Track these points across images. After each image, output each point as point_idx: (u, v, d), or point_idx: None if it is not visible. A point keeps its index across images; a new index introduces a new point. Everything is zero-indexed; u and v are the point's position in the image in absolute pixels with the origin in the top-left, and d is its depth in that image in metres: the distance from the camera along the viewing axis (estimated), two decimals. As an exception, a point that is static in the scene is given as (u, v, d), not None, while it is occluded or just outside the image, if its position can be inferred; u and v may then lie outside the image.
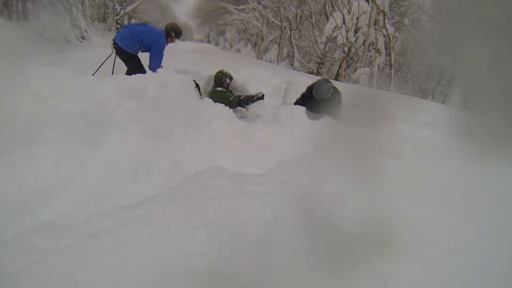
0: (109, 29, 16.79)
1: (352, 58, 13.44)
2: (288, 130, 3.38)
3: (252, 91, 4.01)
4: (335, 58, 13.34)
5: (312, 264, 0.80)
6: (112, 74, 3.79)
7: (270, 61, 15.86)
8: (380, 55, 9.51)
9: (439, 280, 0.80)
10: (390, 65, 10.22)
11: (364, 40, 11.14)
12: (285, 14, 15.03)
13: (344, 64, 11.94)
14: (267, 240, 0.87)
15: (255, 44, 19.36)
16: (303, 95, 3.70)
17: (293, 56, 15.26)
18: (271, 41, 18.19)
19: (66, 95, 1.81)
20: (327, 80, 3.72)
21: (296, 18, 15.18)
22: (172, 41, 3.80)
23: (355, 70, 12.18)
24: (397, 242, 0.88)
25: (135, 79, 2.51)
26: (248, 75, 4.21)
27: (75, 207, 1.39)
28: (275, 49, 16.70)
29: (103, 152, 1.70)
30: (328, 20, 12.19)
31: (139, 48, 3.65)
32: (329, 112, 3.57)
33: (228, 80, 3.88)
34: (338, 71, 11.99)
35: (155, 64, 3.57)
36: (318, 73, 13.24)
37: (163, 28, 3.80)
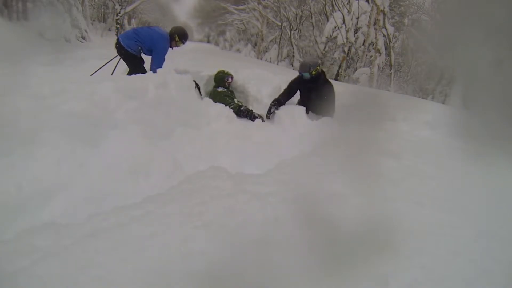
0: (109, 29, 16.78)
1: (352, 58, 13.44)
2: (288, 130, 3.38)
3: (252, 91, 4.01)
4: (335, 58, 13.34)
5: (312, 264, 0.80)
6: (112, 74, 3.79)
7: (270, 61, 15.86)
8: (380, 55, 9.51)
9: (439, 280, 0.80)
10: (390, 65, 10.23)
11: (364, 40, 11.14)
12: (285, 14, 15.03)
13: (344, 64, 11.94)
14: (267, 240, 0.87)
15: (255, 44, 19.36)
16: (291, 84, 3.72)
17: (293, 56, 15.25)
18: (271, 41, 18.19)
19: (66, 95, 1.81)
20: (312, 57, 3.94)
21: (296, 18, 15.18)
22: (176, 45, 3.71)
23: (355, 70, 12.19)
24: (397, 242, 0.88)
25: (135, 79, 2.51)
26: (248, 75, 4.21)
27: (75, 207, 1.39)
28: (275, 49, 16.70)
29: (103, 152, 1.70)
30: (328, 20, 12.20)
31: (141, 49, 3.64)
32: (319, 102, 3.59)
33: (230, 80, 3.89)
34: (338, 71, 11.99)
35: (155, 67, 3.53)
36: (318, 73, 13.16)
37: (169, 31, 3.75)
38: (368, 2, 10.85)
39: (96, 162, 1.63)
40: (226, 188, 1.18)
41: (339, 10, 11.75)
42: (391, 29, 10.12)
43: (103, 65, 3.84)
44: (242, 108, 3.57)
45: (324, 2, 13.15)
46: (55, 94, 1.78)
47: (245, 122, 3.40)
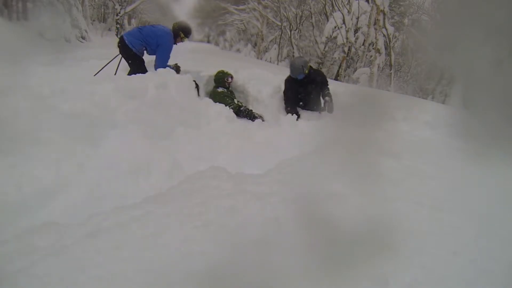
0: (109, 29, 16.78)
1: (352, 58, 13.43)
2: (288, 130, 3.38)
3: (252, 91, 4.01)
4: (335, 58, 13.34)
5: (312, 264, 0.80)
6: (115, 74, 3.78)
7: (270, 61, 15.85)
8: (380, 55, 9.51)
9: (439, 280, 0.80)
10: (390, 65, 10.23)
11: (364, 40, 11.13)
12: (285, 14, 15.03)
13: (344, 64, 11.93)
14: (267, 240, 0.87)
15: (255, 44, 19.36)
16: (284, 90, 3.78)
17: (293, 56, 15.24)
18: (271, 41, 18.18)
19: (66, 95, 1.81)
20: (299, 57, 4.01)
21: (296, 18, 15.18)
22: (181, 41, 3.71)
23: (355, 70, 12.18)
24: (397, 242, 0.88)
25: (135, 79, 2.51)
26: (248, 75, 4.21)
27: (75, 207, 1.39)
28: (275, 49, 16.69)
29: (103, 152, 1.70)
30: (328, 20, 12.19)
31: (145, 49, 3.63)
32: (317, 94, 3.63)
33: (230, 80, 3.89)
34: (338, 71, 11.99)
35: (161, 63, 3.55)
36: (318, 73, 13.18)
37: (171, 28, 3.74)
38: (368, 2, 10.85)
39: (96, 162, 1.63)
40: (226, 188, 1.18)
41: (339, 10, 11.75)
42: (391, 29, 10.12)
43: (105, 65, 3.84)
44: (242, 108, 3.57)
45: (324, 2, 13.15)
46: (55, 94, 1.78)
47: (245, 122, 3.40)
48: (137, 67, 3.59)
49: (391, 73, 10.18)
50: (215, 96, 3.60)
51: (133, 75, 2.81)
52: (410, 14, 13.26)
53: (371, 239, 0.86)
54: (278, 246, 0.85)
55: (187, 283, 0.74)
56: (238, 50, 21.07)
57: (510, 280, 0.83)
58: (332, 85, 3.85)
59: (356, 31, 11.48)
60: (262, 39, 17.26)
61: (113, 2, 15.27)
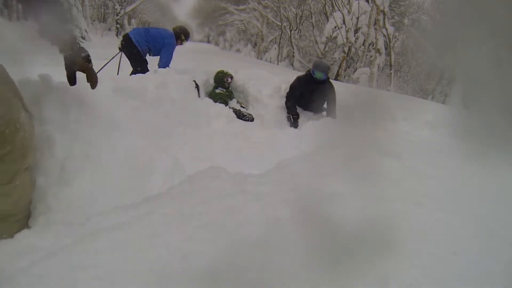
0: (109, 29, 16.78)
1: (352, 58, 13.43)
2: (288, 130, 3.38)
3: (252, 91, 4.01)
4: (335, 58, 13.35)
5: (312, 264, 0.80)
6: (118, 74, 3.79)
7: (270, 61, 15.85)
8: (380, 55, 9.51)
9: (439, 280, 0.80)
10: (390, 65, 10.22)
11: (364, 40, 11.14)
12: (285, 14, 15.03)
13: (344, 64, 11.93)
14: (267, 240, 0.87)
15: (255, 44, 19.36)
16: (292, 85, 3.76)
17: (293, 56, 15.25)
18: (271, 41, 18.18)
19: (66, 95, 1.81)
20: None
21: (296, 18, 15.18)
22: (181, 43, 3.89)
23: (355, 70, 12.18)
24: (397, 242, 0.88)
25: (135, 79, 2.51)
26: (248, 75, 4.21)
27: (75, 207, 1.39)
28: (275, 49, 16.70)
29: (103, 152, 1.70)
30: (328, 20, 12.20)
31: (148, 49, 3.68)
32: (322, 103, 3.63)
33: (229, 80, 3.89)
34: (338, 71, 11.99)
35: (165, 61, 3.65)
36: (318, 73, 13.21)
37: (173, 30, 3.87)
38: (368, 2, 10.85)
39: (95, 162, 1.63)
40: (226, 188, 1.18)
41: (339, 10, 11.75)
42: (391, 29, 10.12)
43: (105, 64, 3.84)
44: (234, 111, 3.55)
45: (324, 2, 13.15)
46: (55, 94, 1.78)
47: (245, 122, 3.40)
48: (140, 66, 3.61)
49: (391, 73, 10.18)
50: (214, 97, 3.60)
51: (133, 75, 2.82)
52: (410, 14, 13.26)
53: (371, 239, 0.86)
54: (278, 246, 0.85)
55: (187, 283, 0.74)
56: (238, 50, 21.07)
57: (510, 280, 0.83)
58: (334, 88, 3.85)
59: (356, 31, 11.48)
60: (262, 39, 17.26)
61: (113, 2, 15.26)
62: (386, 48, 10.05)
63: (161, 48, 3.64)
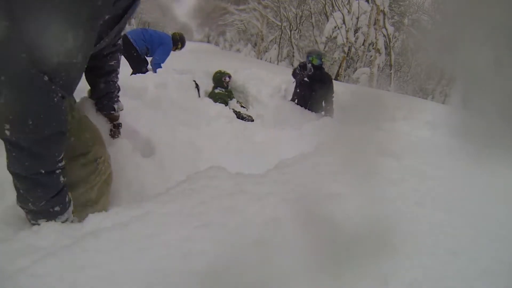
0: (109, 29, 16.72)
1: (352, 58, 13.43)
2: (288, 130, 3.38)
3: (252, 91, 4.01)
4: (335, 58, 13.34)
5: (312, 264, 0.80)
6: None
7: (270, 61, 15.86)
8: (380, 55, 9.52)
9: (439, 280, 0.80)
10: (390, 65, 10.22)
11: (364, 40, 11.14)
12: (285, 14, 15.03)
13: (344, 64, 11.94)
14: (267, 240, 0.87)
15: (255, 44, 19.35)
16: (293, 72, 3.85)
17: (293, 56, 15.26)
18: (271, 41, 18.18)
19: (66, 95, 1.80)
20: None
21: (296, 18, 15.18)
22: (175, 50, 3.99)
23: (355, 70, 12.19)
24: (397, 242, 0.88)
25: (135, 79, 2.51)
26: (248, 75, 4.22)
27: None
28: (275, 49, 16.70)
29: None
30: (328, 20, 12.20)
31: (147, 50, 3.70)
32: (321, 96, 3.66)
33: (227, 79, 3.90)
34: (338, 71, 12.00)
35: (159, 60, 3.70)
36: (318, 73, 13.25)
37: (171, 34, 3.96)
38: (368, 2, 10.86)
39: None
40: (226, 188, 1.18)
41: (339, 10, 11.75)
42: (391, 29, 10.12)
43: None
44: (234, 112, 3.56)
45: (324, 2, 13.15)
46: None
47: (245, 122, 3.40)
48: (139, 66, 3.63)
49: (391, 73, 10.18)
50: (213, 98, 3.61)
51: (132, 75, 2.82)
52: (410, 14, 13.26)
53: (371, 239, 0.86)
54: (278, 246, 0.85)
55: (187, 283, 0.74)
56: (238, 50, 21.07)
57: (510, 280, 0.83)
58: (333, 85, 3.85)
59: (356, 31, 11.48)
60: (262, 39, 17.26)
61: (113, 2, 15.22)
62: (386, 48, 10.06)
63: (157, 47, 3.68)
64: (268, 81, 4.10)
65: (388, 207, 1.08)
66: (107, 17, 1.03)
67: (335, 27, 11.18)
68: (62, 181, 1.08)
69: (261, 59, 16.06)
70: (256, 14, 16.34)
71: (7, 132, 0.92)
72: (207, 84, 3.96)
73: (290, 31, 14.91)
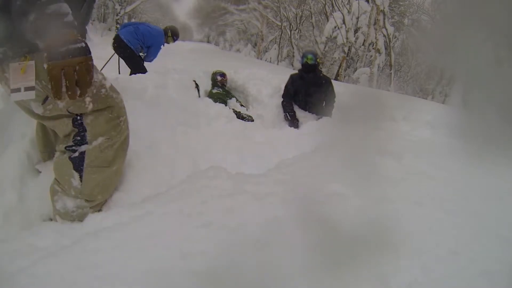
0: (109, 29, 16.78)
1: (352, 58, 13.43)
2: (288, 130, 3.38)
3: (252, 91, 4.01)
4: (335, 58, 13.34)
5: (312, 264, 0.80)
6: (119, 73, 3.81)
7: (270, 61, 15.85)
8: (380, 55, 9.51)
9: (439, 280, 0.80)
10: (390, 65, 10.22)
11: (364, 40, 11.14)
12: (285, 14, 15.02)
13: (344, 64, 11.93)
14: (267, 240, 0.87)
15: (255, 44, 19.36)
16: (286, 84, 3.80)
17: (293, 56, 15.25)
18: (271, 41, 18.18)
19: (66, 95, 1.80)
20: None
21: (296, 18, 15.18)
22: (167, 41, 3.97)
23: (355, 70, 12.18)
24: (397, 242, 0.88)
25: (135, 79, 2.51)
26: (248, 75, 4.21)
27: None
28: (275, 49, 16.70)
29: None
30: (328, 20, 12.19)
31: (141, 48, 3.69)
32: (319, 98, 3.63)
33: (219, 77, 3.89)
34: (338, 71, 11.99)
35: (150, 60, 3.74)
36: (318, 73, 13.27)
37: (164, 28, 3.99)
38: (368, 2, 10.85)
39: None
40: (226, 188, 1.18)
41: (339, 10, 11.75)
42: (391, 29, 10.12)
43: (104, 65, 3.85)
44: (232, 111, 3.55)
45: (324, 2, 13.14)
46: (55, 94, 1.78)
47: (245, 122, 3.40)
48: (137, 66, 3.62)
49: (391, 73, 10.18)
50: (212, 98, 3.61)
51: (132, 75, 2.81)
52: (410, 14, 13.26)
53: (371, 239, 0.86)
54: (278, 246, 0.85)
55: (187, 283, 0.74)
56: (238, 50, 21.07)
57: (510, 280, 0.83)
58: (333, 84, 3.84)
59: (356, 31, 11.48)
60: (262, 39, 17.25)
61: (113, 2, 15.26)
62: (386, 48, 10.06)
63: (150, 46, 3.73)
64: (268, 81, 4.10)
65: (388, 207, 1.08)
66: None
67: (335, 27, 11.18)
68: None
69: (261, 59, 16.06)
70: (256, 14, 16.34)
71: None
72: (207, 84, 3.96)
73: (290, 31, 14.91)
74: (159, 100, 2.38)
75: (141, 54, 3.74)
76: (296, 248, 0.85)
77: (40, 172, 1.50)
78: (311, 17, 14.48)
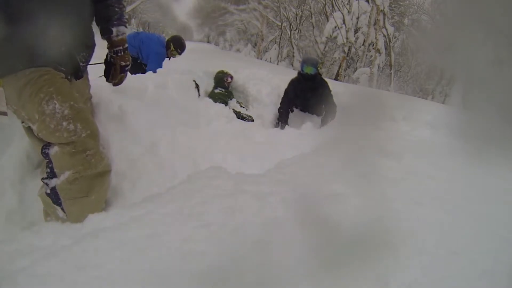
0: (109, 29, 16.70)
1: (352, 58, 13.43)
2: (288, 130, 3.38)
3: (252, 91, 4.01)
4: (335, 58, 13.35)
5: (312, 264, 0.80)
6: None
7: (270, 61, 15.85)
8: (380, 55, 9.51)
9: (439, 280, 0.80)
10: (390, 65, 10.22)
11: (364, 40, 11.13)
12: (285, 14, 15.02)
13: (344, 64, 11.93)
14: (267, 240, 0.87)
15: (255, 44, 19.35)
16: (286, 89, 3.75)
17: (293, 56, 15.25)
18: (271, 41, 18.18)
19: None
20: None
21: (296, 18, 15.17)
22: (172, 55, 3.65)
23: (355, 70, 12.18)
24: (397, 242, 0.88)
25: (135, 79, 2.51)
26: (248, 75, 4.21)
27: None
28: (275, 49, 16.69)
29: (103, 152, 1.70)
30: (328, 20, 12.19)
31: (138, 56, 3.61)
32: (319, 102, 3.61)
33: (229, 79, 3.89)
34: (338, 71, 12.00)
35: (149, 68, 3.56)
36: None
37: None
38: (368, 2, 10.85)
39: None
40: (226, 188, 1.18)
41: (339, 10, 11.74)
42: (391, 29, 10.12)
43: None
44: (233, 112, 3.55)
45: (324, 2, 13.14)
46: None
47: (245, 122, 3.40)
48: (137, 68, 3.59)
49: (391, 73, 10.17)
50: (213, 98, 3.61)
51: (133, 76, 2.81)
52: (410, 14, 13.27)
53: (371, 239, 0.86)
54: (278, 246, 0.85)
55: (187, 283, 0.74)
56: (238, 50, 21.05)
57: (510, 280, 0.83)
58: (332, 85, 3.84)
59: (356, 31, 11.48)
60: (262, 39, 17.24)
61: (113, 2, 15.17)
62: (386, 48, 10.06)
63: (148, 55, 3.49)
64: (268, 81, 4.10)
65: (388, 207, 1.08)
66: None
67: (335, 27, 11.18)
68: None
69: (261, 59, 16.06)
70: (256, 14, 16.34)
71: None
72: (207, 84, 3.96)
73: (290, 31, 14.91)
74: (159, 100, 2.38)
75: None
76: (296, 248, 0.85)
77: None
78: (311, 17, 14.48)
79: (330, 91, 3.62)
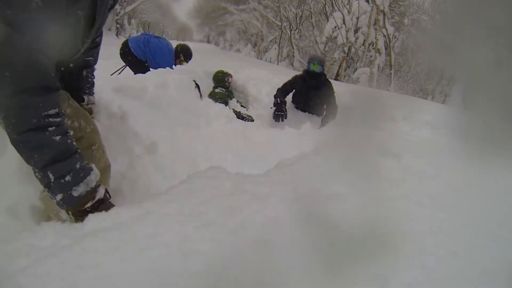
0: (109, 29, 16.76)
1: (352, 58, 13.44)
2: (288, 130, 3.38)
3: (252, 91, 4.01)
4: (335, 58, 13.36)
5: (312, 264, 0.80)
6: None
7: (270, 61, 15.86)
8: (380, 55, 9.52)
9: (439, 280, 0.80)
10: (390, 65, 10.22)
11: (364, 40, 11.14)
12: (285, 14, 15.03)
13: (344, 64, 11.94)
14: (267, 240, 0.87)
15: (255, 44, 19.36)
16: (287, 81, 3.76)
17: (293, 56, 15.26)
18: (271, 41, 18.19)
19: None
20: None
21: (296, 18, 15.19)
22: (180, 63, 3.80)
23: (355, 70, 12.19)
24: (397, 242, 0.88)
25: (135, 79, 2.51)
26: (248, 75, 4.22)
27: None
28: (275, 49, 16.70)
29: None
30: (328, 20, 12.20)
31: (145, 60, 3.65)
32: (321, 101, 3.61)
33: (230, 79, 3.90)
34: (338, 71, 12.00)
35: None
36: (318, 73, 13.26)
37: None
38: (368, 2, 10.86)
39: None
40: (226, 188, 1.18)
41: (339, 10, 11.76)
42: (391, 29, 10.12)
43: (117, 71, 3.86)
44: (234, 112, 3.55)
45: (324, 2, 13.15)
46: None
47: (245, 122, 3.40)
48: (140, 71, 3.60)
49: (391, 73, 10.18)
50: (213, 97, 3.61)
51: (133, 75, 2.82)
52: (410, 14, 13.28)
53: (371, 239, 0.86)
54: (278, 246, 0.85)
55: (187, 283, 0.74)
56: (238, 50, 21.06)
57: (510, 280, 0.83)
58: (332, 85, 3.84)
59: (356, 31, 11.49)
60: (262, 39, 17.25)
61: (113, 2, 15.16)
62: (386, 48, 10.06)
63: (157, 62, 3.54)
64: (268, 81, 4.10)
65: (388, 207, 1.08)
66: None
67: (335, 27, 11.18)
68: (62, 141, 0.98)
69: (261, 59, 16.06)
70: (256, 14, 16.34)
71: None
72: (207, 84, 3.96)
73: (290, 31, 14.92)
74: (159, 100, 2.38)
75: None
76: (296, 248, 0.85)
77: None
78: (311, 17, 14.48)
79: (333, 92, 3.62)
